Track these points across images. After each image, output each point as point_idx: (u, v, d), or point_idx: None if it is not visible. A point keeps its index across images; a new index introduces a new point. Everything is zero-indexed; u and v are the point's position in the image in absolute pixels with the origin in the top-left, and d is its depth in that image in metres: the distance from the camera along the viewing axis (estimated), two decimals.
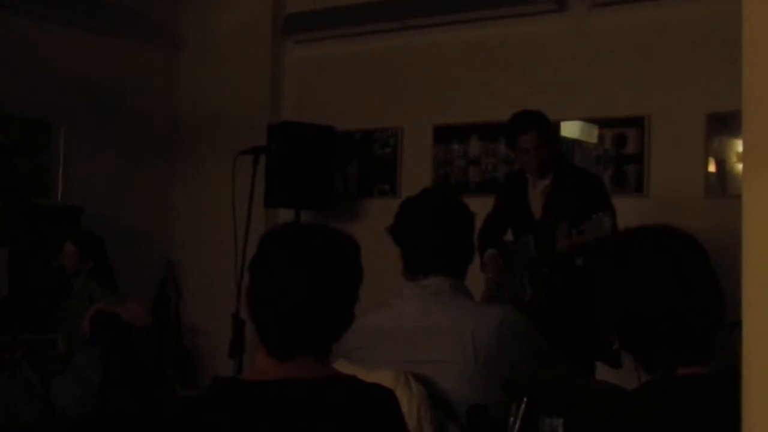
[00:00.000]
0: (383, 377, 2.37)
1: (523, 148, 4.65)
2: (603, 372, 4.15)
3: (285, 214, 6.77)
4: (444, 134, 6.66)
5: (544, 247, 4.50)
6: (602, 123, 5.99)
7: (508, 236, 4.97)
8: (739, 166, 5.63)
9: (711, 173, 5.64)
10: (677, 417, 1.71)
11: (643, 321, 1.78)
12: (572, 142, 6.08)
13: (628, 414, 1.74)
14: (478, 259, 4.91)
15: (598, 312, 1.85)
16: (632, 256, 1.86)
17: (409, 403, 2.43)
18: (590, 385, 1.89)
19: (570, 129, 6.10)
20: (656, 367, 1.79)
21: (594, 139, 6.02)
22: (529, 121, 4.65)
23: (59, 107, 7.01)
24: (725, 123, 5.55)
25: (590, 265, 1.94)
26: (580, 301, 3.23)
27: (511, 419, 1.62)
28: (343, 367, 2.30)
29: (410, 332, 2.65)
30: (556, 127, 5.43)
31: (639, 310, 1.79)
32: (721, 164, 5.63)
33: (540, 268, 4.56)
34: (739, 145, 5.64)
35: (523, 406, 1.63)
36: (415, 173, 6.70)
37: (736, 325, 0.99)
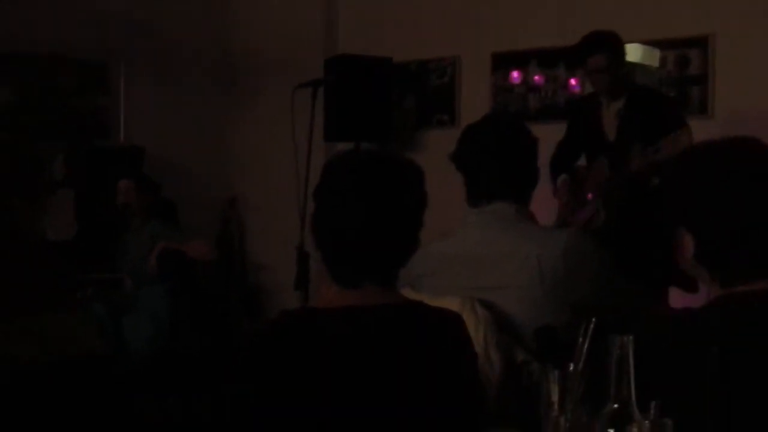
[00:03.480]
0: (449, 304, 2.37)
1: (592, 69, 4.60)
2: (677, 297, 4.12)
3: (345, 148, 6.76)
4: (502, 61, 6.58)
5: (618, 168, 4.46)
6: (664, 45, 5.86)
7: (582, 162, 4.93)
8: None
9: None
10: (749, 331, 1.69)
11: (725, 231, 1.76)
12: (633, 66, 5.96)
13: (699, 329, 1.72)
14: (551, 186, 4.92)
15: (675, 224, 1.82)
16: (715, 164, 1.82)
17: (476, 328, 2.43)
18: (659, 305, 1.88)
19: (631, 53, 5.97)
20: (731, 281, 1.76)
21: (656, 63, 5.90)
22: (600, 41, 4.60)
23: (115, 48, 7.04)
24: None
25: (669, 175, 1.89)
26: (655, 222, 3.20)
27: (580, 340, 1.61)
28: (408, 294, 2.30)
29: (475, 258, 2.65)
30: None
31: (721, 220, 1.76)
32: None
33: (613, 191, 4.52)
34: None
35: (591, 326, 1.61)
36: (474, 102, 6.63)
37: None
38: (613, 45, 4.61)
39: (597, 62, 4.58)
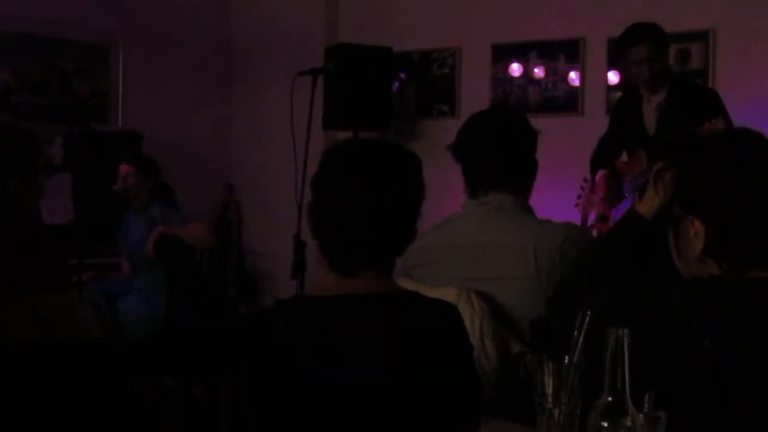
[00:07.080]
0: (445, 294, 2.37)
1: (634, 60, 4.56)
2: None
3: (343, 136, 6.76)
4: (503, 53, 6.57)
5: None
6: None
7: (624, 158, 4.89)
8: None
9: None
10: (741, 315, 1.70)
11: (743, 214, 1.78)
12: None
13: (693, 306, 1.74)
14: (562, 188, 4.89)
15: (687, 213, 1.84)
16: (728, 153, 1.85)
17: (471, 319, 2.43)
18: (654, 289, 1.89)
19: None
20: (736, 266, 1.77)
21: None
22: (643, 32, 4.55)
23: (116, 32, 7.03)
24: None
25: (686, 164, 1.92)
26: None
27: (575, 333, 1.61)
28: (405, 284, 2.30)
29: (472, 249, 2.65)
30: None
31: (733, 206, 1.78)
32: None
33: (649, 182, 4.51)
34: None
35: (587, 319, 1.61)
36: (474, 93, 6.63)
37: None
38: (656, 36, 4.56)
39: (639, 53, 4.52)
